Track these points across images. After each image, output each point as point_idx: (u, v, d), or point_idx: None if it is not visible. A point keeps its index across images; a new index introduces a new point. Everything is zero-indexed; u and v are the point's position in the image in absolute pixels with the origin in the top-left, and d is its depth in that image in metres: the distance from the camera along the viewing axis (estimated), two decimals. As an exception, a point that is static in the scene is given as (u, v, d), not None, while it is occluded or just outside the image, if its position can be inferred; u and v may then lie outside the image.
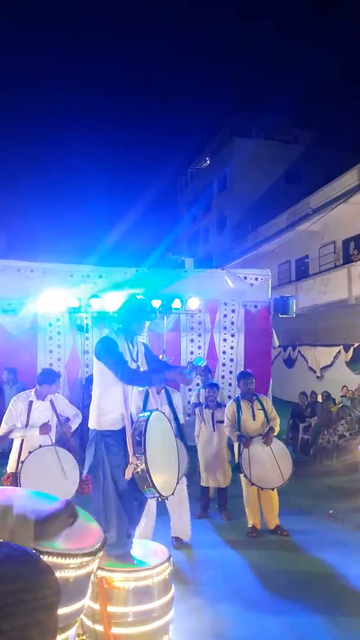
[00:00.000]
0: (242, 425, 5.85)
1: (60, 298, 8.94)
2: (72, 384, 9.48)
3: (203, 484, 6.42)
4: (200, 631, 3.65)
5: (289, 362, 17.67)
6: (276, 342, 10.95)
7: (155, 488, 3.29)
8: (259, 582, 4.49)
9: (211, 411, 6.45)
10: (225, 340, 10.24)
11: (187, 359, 9.80)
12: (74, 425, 5.20)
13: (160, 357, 5.53)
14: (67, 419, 5.15)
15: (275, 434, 5.83)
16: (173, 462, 3.63)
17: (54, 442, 4.94)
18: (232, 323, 10.28)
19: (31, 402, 4.99)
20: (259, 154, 27.65)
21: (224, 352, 10.23)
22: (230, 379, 9.90)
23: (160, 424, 3.58)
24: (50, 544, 2.02)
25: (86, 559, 2.32)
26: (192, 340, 10.17)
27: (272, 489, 5.62)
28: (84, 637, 2.97)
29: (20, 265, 9.64)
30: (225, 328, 10.24)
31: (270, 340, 10.48)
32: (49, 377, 5.11)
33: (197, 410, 6.71)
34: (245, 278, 10.45)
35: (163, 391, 5.29)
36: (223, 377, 10.06)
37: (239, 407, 5.91)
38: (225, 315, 10.28)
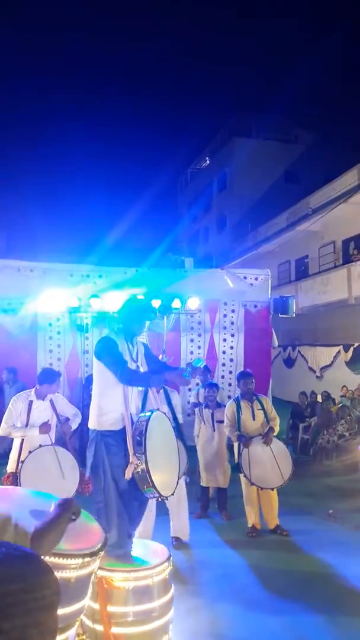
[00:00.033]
0: (242, 425, 5.84)
1: (60, 298, 8.93)
2: (72, 384, 9.48)
3: (203, 483, 6.42)
4: (200, 631, 3.65)
5: (289, 362, 17.67)
6: (276, 342, 10.94)
7: (155, 488, 3.29)
8: (258, 582, 4.49)
9: (211, 411, 6.45)
10: (225, 340, 10.24)
11: (187, 358, 9.80)
12: (74, 425, 5.20)
13: (160, 357, 5.53)
14: (67, 419, 5.15)
15: (275, 434, 5.83)
16: (173, 462, 3.63)
17: (53, 441, 4.94)
18: (232, 323, 10.28)
19: (31, 401, 4.99)
20: (259, 154, 27.66)
21: (224, 352, 10.22)
22: (230, 378, 9.90)
23: (161, 423, 3.57)
24: None
25: (87, 559, 2.32)
26: (192, 340, 10.17)
27: (272, 489, 5.62)
28: (84, 636, 2.97)
29: (20, 264, 9.64)
30: (225, 328, 10.24)
31: (270, 340, 10.48)
32: (49, 376, 5.11)
33: (196, 410, 6.71)
34: (245, 278, 10.45)
35: (161, 391, 5.29)
36: (223, 377, 10.06)
37: (238, 407, 5.91)
38: (225, 315, 10.28)
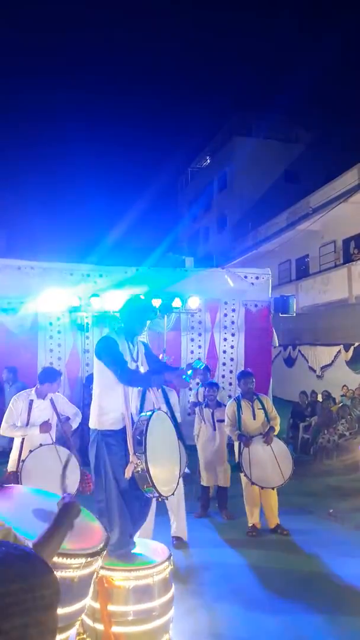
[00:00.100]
0: (243, 424, 5.84)
1: (61, 297, 8.94)
2: (72, 383, 9.49)
3: (203, 483, 6.42)
4: (200, 630, 3.65)
5: (289, 362, 17.67)
6: (276, 341, 10.95)
7: (155, 488, 3.28)
8: (258, 581, 4.49)
9: (211, 410, 6.45)
10: (225, 339, 10.24)
11: (187, 358, 9.80)
12: (74, 425, 5.20)
13: (161, 356, 5.54)
14: (67, 418, 5.15)
15: (275, 433, 5.83)
16: (174, 461, 3.62)
17: (54, 440, 4.94)
18: (233, 322, 10.27)
19: (32, 401, 4.99)
20: (259, 153, 27.64)
21: (224, 352, 10.22)
22: (231, 378, 9.90)
23: (162, 423, 3.57)
24: None
25: (90, 559, 2.32)
26: (192, 340, 10.17)
27: (273, 488, 5.62)
28: (84, 636, 2.97)
29: (21, 264, 9.65)
30: (225, 327, 10.24)
31: (270, 339, 10.48)
32: (50, 375, 5.11)
33: (196, 409, 6.71)
34: (245, 277, 10.45)
35: (159, 390, 5.29)
36: (223, 376, 10.06)
37: (239, 407, 5.91)
38: (225, 315, 10.28)
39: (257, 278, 10.49)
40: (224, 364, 10.18)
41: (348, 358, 14.29)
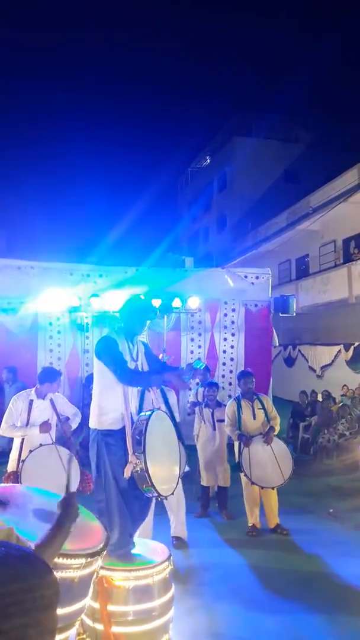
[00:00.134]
0: (243, 424, 5.84)
1: (61, 297, 8.94)
2: (72, 383, 9.48)
3: (203, 483, 6.42)
4: (200, 630, 3.65)
5: (289, 361, 17.68)
6: (276, 341, 10.94)
7: (154, 487, 3.28)
8: (258, 581, 4.49)
9: (211, 410, 6.45)
10: (225, 339, 10.24)
11: (187, 358, 9.80)
12: (74, 425, 5.20)
13: (160, 356, 5.52)
14: (67, 418, 5.15)
15: (275, 433, 5.83)
16: (174, 461, 3.62)
17: (54, 440, 4.94)
18: (233, 322, 10.27)
19: (31, 401, 4.99)
20: (259, 153, 27.64)
21: (224, 352, 10.22)
22: (231, 378, 9.90)
23: (161, 423, 3.57)
24: None
25: (90, 559, 2.32)
26: (192, 340, 10.17)
27: (273, 488, 5.62)
28: (84, 636, 2.97)
29: (21, 264, 9.64)
30: (225, 327, 10.24)
31: (270, 339, 10.48)
32: (50, 375, 5.10)
33: (196, 409, 6.71)
34: (245, 277, 10.44)
35: (158, 390, 5.28)
36: (223, 376, 10.06)
37: (239, 407, 5.91)
38: (225, 314, 10.27)
39: (257, 278, 10.49)
40: (224, 364, 10.18)
41: (348, 358, 14.30)
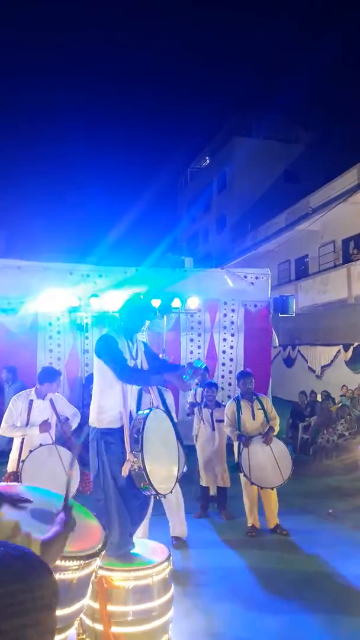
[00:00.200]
0: (242, 424, 5.84)
1: (61, 297, 8.94)
2: (72, 383, 9.49)
3: (203, 483, 6.42)
4: (199, 631, 3.65)
5: (289, 362, 17.68)
6: (276, 341, 10.95)
7: (152, 486, 3.29)
8: (258, 581, 4.49)
9: (210, 410, 6.44)
10: (225, 339, 10.24)
11: (187, 358, 9.80)
12: (74, 425, 5.20)
13: (160, 356, 5.53)
14: (67, 419, 5.15)
15: (275, 433, 5.83)
16: (172, 460, 3.62)
17: (54, 440, 4.94)
18: (232, 322, 10.27)
19: (31, 401, 4.99)
20: (259, 154, 27.65)
21: (224, 352, 10.22)
22: (230, 378, 9.90)
23: (159, 422, 3.58)
24: None
25: (89, 560, 2.31)
26: (191, 340, 10.17)
27: (272, 488, 5.62)
28: (84, 636, 2.97)
29: (20, 264, 9.65)
30: (225, 327, 10.24)
31: (270, 339, 10.48)
32: (50, 375, 5.11)
33: (195, 409, 6.70)
34: (245, 277, 10.45)
35: (156, 390, 5.29)
36: (223, 376, 10.06)
37: (238, 407, 5.91)
38: (225, 315, 10.28)
39: (256, 278, 10.49)
40: (223, 364, 10.18)
41: (347, 358, 14.30)
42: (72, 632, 2.44)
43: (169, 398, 5.52)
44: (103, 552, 2.47)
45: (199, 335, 10.18)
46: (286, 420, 10.44)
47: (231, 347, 10.22)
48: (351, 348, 14.19)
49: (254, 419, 5.86)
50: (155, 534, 4.63)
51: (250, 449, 5.63)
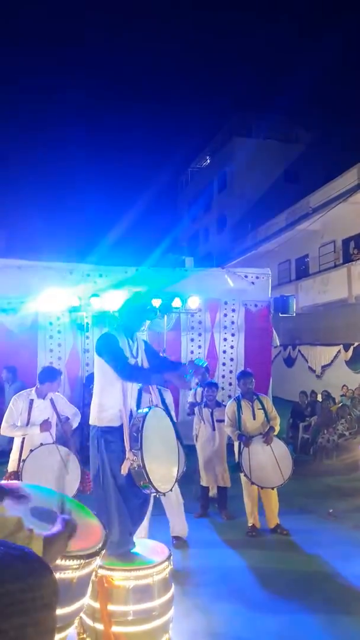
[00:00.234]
0: (242, 424, 5.84)
1: (61, 297, 8.94)
2: (72, 383, 9.49)
3: (203, 483, 6.42)
4: (199, 630, 3.64)
5: (289, 361, 17.68)
6: (276, 341, 10.95)
7: (152, 484, 3.28)
8: (258, 581, 4.49)
9: (210, 410, 6.44)
10: (225, 339, 10.24)
11: (187, 358, 9.80)
12: (74, 424, 5.20)
13: (161, 354, 5.52)
14: (67, 418, 5.15)
15: (275, 433, 5.83)
16: (172, 458, 3.62)
17: (54, 440, 4.94)
18: (233, 322, 10.27)
19: (32, 400, 4.99)
20: (259, 154, 27.66)
21: (224, 352, 10.22)
22: (231, 378, 9.90)
23: (159, 420, 3.57)
24: None
25: (89, 559, 2.31)
26: (192, 340, 10.17)
27: (272, 488, 5.61)
28: (84, 635, 2.97)
29: (21, 263, 9.65)
30: (225, 327, 10.24)
31: (270, 339, 10.49)
32: (50, 375, 5.10)
33: (196, 409, 6.70)
34: (245, 277, 10.45)
35: (156, 389, 5.28)
36: (223, 376, 10.06)
37: (239, 407, 5.91)
38: (225, 315, 10.27)
39: (257, 278, 10.50)
40: (223, 364, 10.18)
41: (348, 358, 14.30)
42: (72, 631, 2.44)
43: (168, 398, 5.52)
44: (103, 552, 2.46)
45: (200, 335, 10.18)
46: (286, 420, 10.43)
47: (231, 347, 10.22)
48: (351, 348, 14.19)
49: (254, 418, 5.85)
50: (155, 534, 4.63)
51: (251, 448, 5.63)
